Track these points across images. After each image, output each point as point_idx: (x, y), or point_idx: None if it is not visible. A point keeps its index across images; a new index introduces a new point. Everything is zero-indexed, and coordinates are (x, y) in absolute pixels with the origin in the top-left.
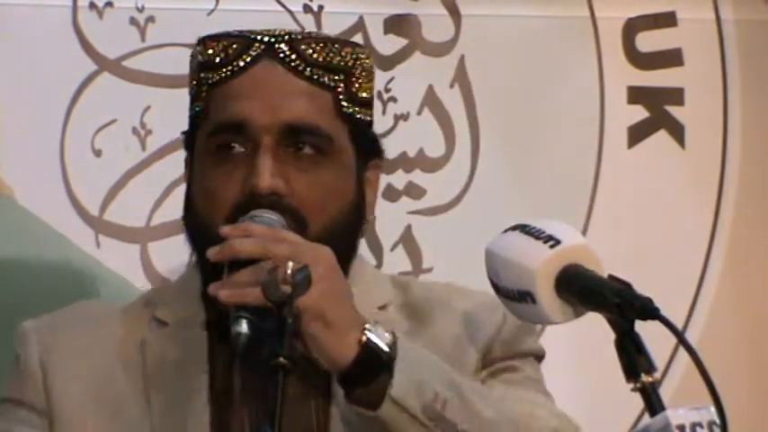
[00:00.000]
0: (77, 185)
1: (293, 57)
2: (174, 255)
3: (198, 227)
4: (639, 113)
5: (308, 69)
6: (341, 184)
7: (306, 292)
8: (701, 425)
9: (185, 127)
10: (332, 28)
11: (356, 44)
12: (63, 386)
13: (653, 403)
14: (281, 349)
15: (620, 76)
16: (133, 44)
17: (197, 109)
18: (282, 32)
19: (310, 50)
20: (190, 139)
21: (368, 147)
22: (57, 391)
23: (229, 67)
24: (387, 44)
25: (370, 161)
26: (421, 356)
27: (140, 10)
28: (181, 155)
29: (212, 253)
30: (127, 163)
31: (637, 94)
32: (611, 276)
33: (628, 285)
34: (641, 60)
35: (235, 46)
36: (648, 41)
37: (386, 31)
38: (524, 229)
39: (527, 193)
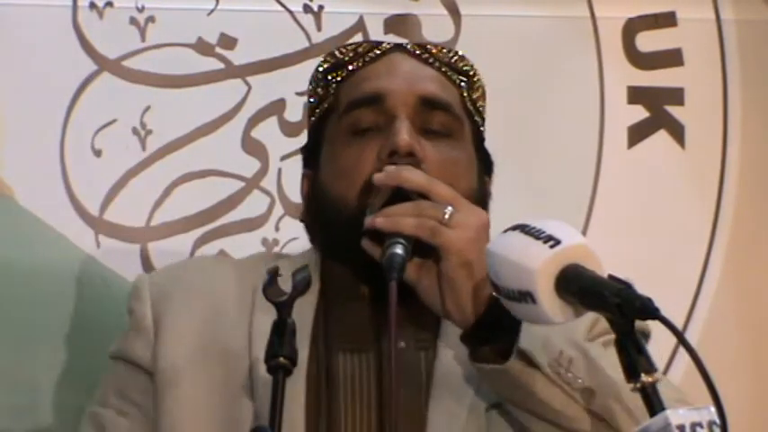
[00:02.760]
0: (77, 185)
1: (422, 51)
2: (174, 255)
3: (328, 208)
4: (639, 113)
5: (437, 63)
6: (467, 169)
7: (304, 293)
8: (700, 425)
9: (185, 127)
10: (332, 28)
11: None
12: (172, 340)
13: (653, 403)
14: (281, 349)
15: (620, 76)
16: (133, 44)
17: (325, 106)
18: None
19: (436, 50)
20: (309, 152)
21: (484, 155)
22: (165, 346)
23: (360, 60)
24: None
25: (486, 174)
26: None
27: (140, 10)
28: (181, 155)
29: (379, 177)
30: (127, 163)
31: (637, 94)
32: (611, 276)
33: (628, 285)
34: (641, 60)
35: (364, 45)
36: (648, 41)
37: (386, 31)
38: (524, 229)
39: (527, 192)
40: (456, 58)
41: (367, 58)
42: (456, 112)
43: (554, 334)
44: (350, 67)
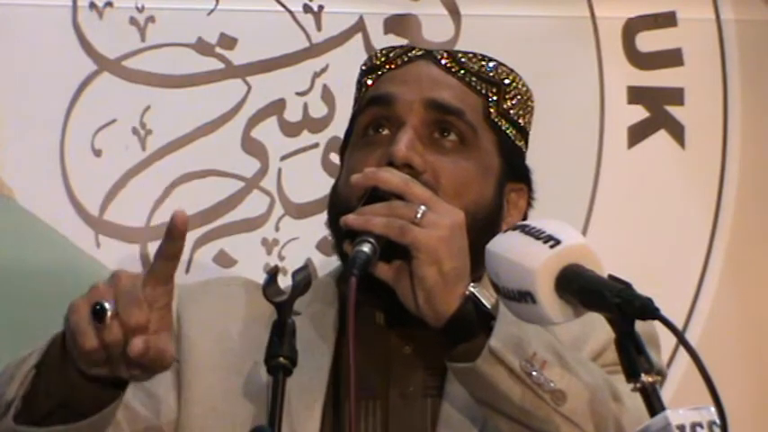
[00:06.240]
0: (77, 185)
1: (449, 59)
2: None
3: (338, 209)
4: (639, 113)
5: (461, 72)
6: (479, 179)
7: (304, 293)
8: (700, 425)
9: (185, 127)
10: (332, 28)
11: (515, 72)
12: (194, 337)
13: (653, 403)
14: (281, 349)
15: (620, 76)
16: (133, 44)
17: (356, 109)
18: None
19: (465, 59)
20: (342, 154)
21: (514, 166)
22: (188, 341)
23: (387, 66)
24: (387, 44)
25: (515, 183)
26: (521, 322)
27: (140, 10)
28: (180, 155)
29: (356, 178)
30: (127, 163)
31: (637, 94)
32: (611, 276)
33: (628, 285)
34: (641, 60)
35: (396, 50)
36: (648, 41)
37: (386, 31)
38: (524, 229)
39: None
40: (487, 67)
41: (394, 65)
42: (469, 120)
43: (531, 336)
44: (379, 72)
